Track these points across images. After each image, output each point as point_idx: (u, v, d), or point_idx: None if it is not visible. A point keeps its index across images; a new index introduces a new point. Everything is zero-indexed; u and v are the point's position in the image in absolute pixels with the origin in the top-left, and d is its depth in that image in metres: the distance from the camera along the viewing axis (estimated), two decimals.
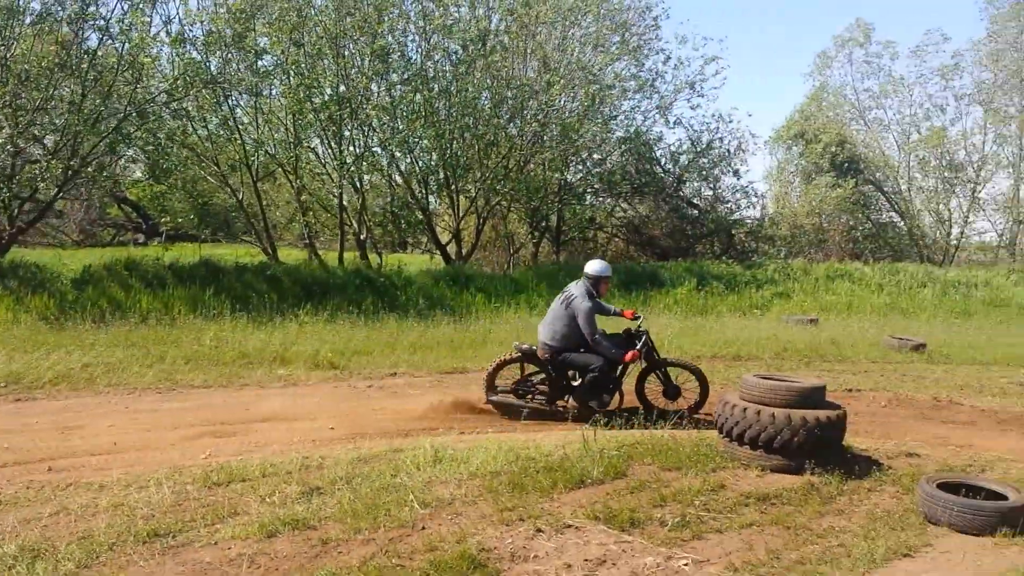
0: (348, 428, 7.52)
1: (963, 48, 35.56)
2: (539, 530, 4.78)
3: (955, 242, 33.35)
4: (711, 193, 28.48)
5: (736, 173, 28.25)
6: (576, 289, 8.25)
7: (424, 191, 22.21)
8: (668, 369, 8.60)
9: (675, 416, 7.97)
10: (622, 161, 26.16)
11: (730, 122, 27.96)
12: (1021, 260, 31.91)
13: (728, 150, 27.76)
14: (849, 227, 31.23)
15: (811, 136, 32.27)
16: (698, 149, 27.68)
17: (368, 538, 4.62)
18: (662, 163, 27.84)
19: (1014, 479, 6.27)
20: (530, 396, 8.42)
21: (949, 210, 33.73)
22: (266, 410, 8.20)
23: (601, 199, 27.67)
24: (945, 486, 5.47)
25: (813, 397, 6.21)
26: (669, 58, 25.93)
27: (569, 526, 4.87)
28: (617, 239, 28.59)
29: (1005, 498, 5.34)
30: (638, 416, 8.01)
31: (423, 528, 4.78)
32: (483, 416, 8.32)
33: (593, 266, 8.42)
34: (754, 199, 29.36)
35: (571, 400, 8.22)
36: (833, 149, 31.36)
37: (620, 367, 8.26)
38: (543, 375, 8.40)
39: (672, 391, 8.54)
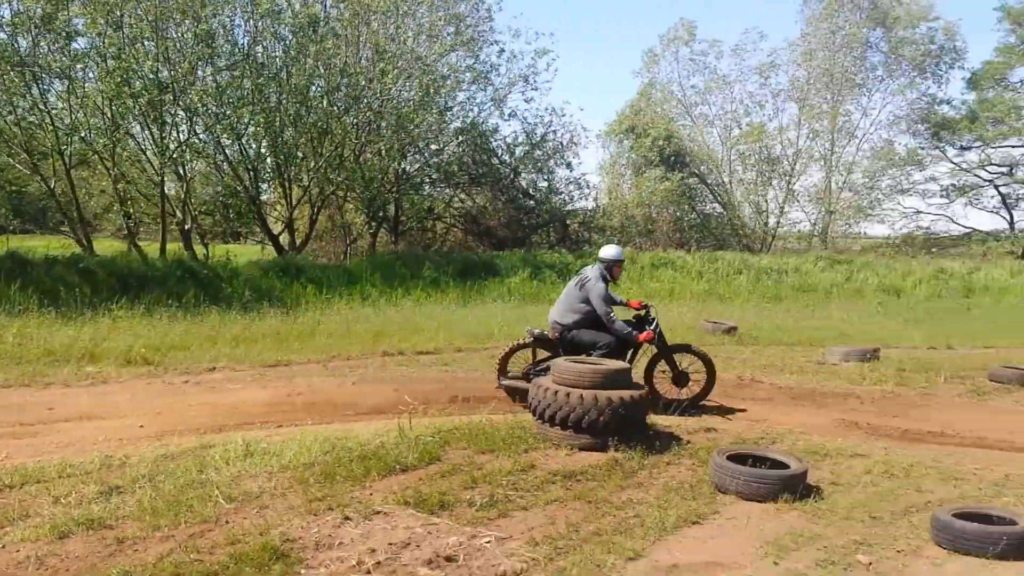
0: (159, 426, 7.26)
1: (779, 47, 37.98)
2: (347, 518, 4.81)
3: (772, 231, 35.58)
4: (546, 184, 29.05)
5: (569, 165, 28.97)
6: (591, 272, 8.45)
7: (254, 179, 21.56)
8: (676, 356, 8.76)
9: (676, 404, 8.39)
10: (459, 152, 26.32)
11: (563, 116, 28.76)
12: (831, 248, 34.42)
13: (561, 143, 28.44)
14: (676, 217, 32.67)
15: (641, 131, 33.51)
16: (533, 141, 28.20)
17: (167, 535, 4.53)
18: (499, 154, 28.22)
19: (800, 450, 6.82)
20: None
21: (766, 201, 36.04)
22: (71, 409, 7.80)
23: (439, 189, 27.78)
24: (735, 457, 5.89)
25: (618, 378, 6.55)
26: (503, 51, 26.36)
27: (378, 512, 4.92)
28: (456, 229, 28.77)
29: (787, 467, 5.79)
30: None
31: (226, 522, 4.73)
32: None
33: (608, 251, 8.61)
34: (587, 190, 30.20)
35: None
36: (661, 143, 32.69)
37: (631, 351, 8.44)
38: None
39: (680, 377, 8.72)
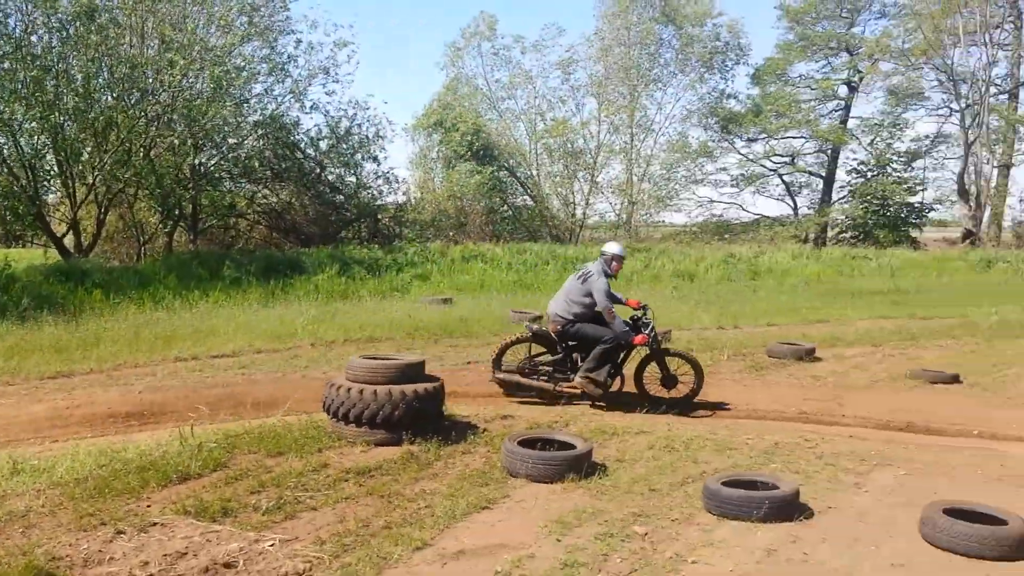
0: None
1: (576, 43, 39.29)
2: (120, 532, 4.59)
3: (580, 222, 36.82)
4: (354, 179, 28.58)
5: (376, 159, 28.60)
6: (594, 267, 8.75)
7: (32, 178, 19.92)
8: (666, 359, 8.82)
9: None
10: (260, 146, 25.48)
11: (367, 109, 28.20)
12: (634, 237, 36.04)
13: (367, 136, 28.05)
14: (489, 210, 33.10)
15: (449, 125, 33.70)
16: (337, 135, 27.70)
17: None
18: (302, 148, 27.52)
19: (591, 430, 7.14)
20: (535, 376, 8.73)
21: (573, 193, 37.24)
22: None
23: (240, 185, 26.73)
24: (526, 442, 6.08)
25: (410, 372, 6.59)
26: (300, 41, 25.68)
27: (155, 524, 4.72)
28: (260, 226, 27.80)
29: (573, 447, 6.04)
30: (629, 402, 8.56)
31: None
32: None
33: (610, 247, 8.97)
34: (396, 185, 29.98)
35: (576, 378, 8.42)
36: (470, 138, 33.02)
37: (623, 352, 8.64)
38: (549, 355, 8.83)
39: (669, 380, 8.78)
